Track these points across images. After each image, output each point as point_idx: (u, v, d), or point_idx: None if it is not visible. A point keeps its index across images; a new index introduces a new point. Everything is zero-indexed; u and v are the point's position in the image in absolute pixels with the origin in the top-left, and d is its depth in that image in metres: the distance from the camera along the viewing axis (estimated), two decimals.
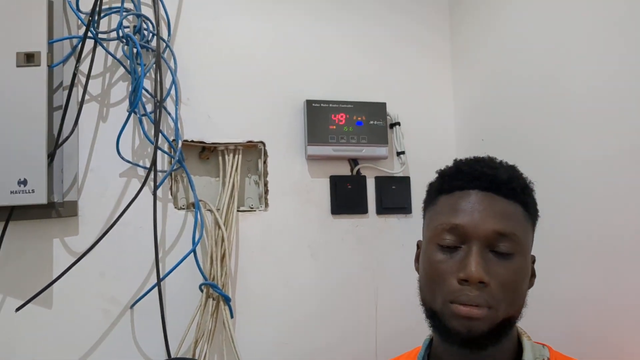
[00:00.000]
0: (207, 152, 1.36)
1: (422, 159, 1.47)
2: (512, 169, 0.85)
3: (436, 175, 0.89)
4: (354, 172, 1.43)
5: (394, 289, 1.41)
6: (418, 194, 1.45)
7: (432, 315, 0.80)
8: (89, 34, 1.17)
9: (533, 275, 0.84)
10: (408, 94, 1.50)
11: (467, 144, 1.46)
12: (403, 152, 1.45)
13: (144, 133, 1.26)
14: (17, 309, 1.12)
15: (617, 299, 0.98)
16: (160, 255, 1.24)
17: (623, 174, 0.97)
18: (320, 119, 1.37)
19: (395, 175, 1.45)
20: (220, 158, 1.35)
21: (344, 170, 1.42)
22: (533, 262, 0.85)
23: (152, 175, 1.21)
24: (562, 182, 1.11)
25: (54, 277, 1.16)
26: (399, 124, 1.45)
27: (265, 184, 1.37)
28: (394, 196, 1.44)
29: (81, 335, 1.20)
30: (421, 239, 0.89)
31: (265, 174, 1.37)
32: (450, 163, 0.88)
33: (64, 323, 1.19)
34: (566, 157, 1.11)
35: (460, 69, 1.52)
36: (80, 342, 1.20)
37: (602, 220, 1.02)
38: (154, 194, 1.21)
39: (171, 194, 1.30)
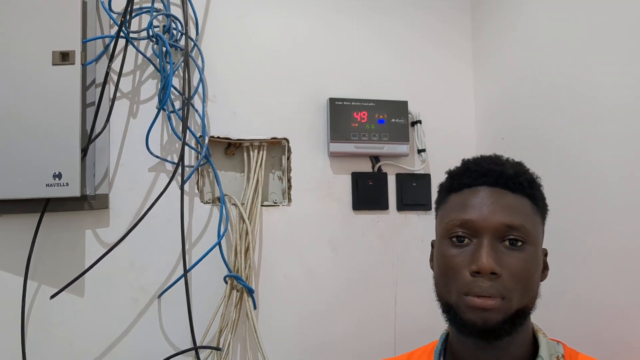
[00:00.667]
0: (232, 148, 1.40)
1: (442, 156, 1.49)
2: (519, 165, 0.88)
3: (446, 175, 0.92)
4: (375, 168, 1.45)
5: (413, 283, 1.44)
6: None
7: (448, 309, 0.83)
8: (121, 34, 1.22)
9: (546, 267, 0.87)
10: (429, 93, 1.52)
11: (488, 143, 1.48)
12: (424, 150, 1.47)
13: (172, 129, 1.30)
14: (52, 297, 1.18)
15: (633, 300, 1.00)
16: (186, 247, 1.29)
17: None
18: (342, 116, 1.40)
19: (415, 172, 1.48)
20: (245, 154, 1.39)
21: (366, 167, 1.45)
22: (545, 255, 0.87)
23: (179, 170, 1.25)
24: (580, 183, 1.13)
25: (86, 266, 1.21)
26: (420, 122, 1.48)
27: (289, 180, 1.40)
28: (414, 193, 1.46)
29: (111, 322, 1.25)
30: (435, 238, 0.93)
31: (289, 169, 1.41)
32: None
33: (95, 310, 1.24)
34: (585, 158, 1.12)
35: (481, 69, 1.53)
36: (110, 328, 1.25)
37: (620, 222, 1.03)
38: (182, 189, 1.25)
39: (197, 189, 1.34)
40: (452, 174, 0.90)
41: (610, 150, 1.05)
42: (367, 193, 1.43)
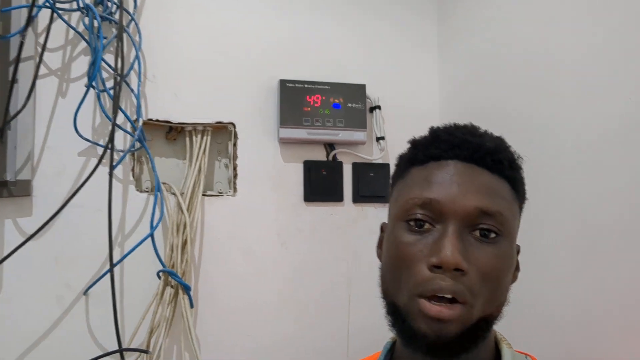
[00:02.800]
0: (174, 132, 1.29)
1: (403, 145, 1.34)
2: (499, 140, 0.71)
3: (408, 145, 0.75)
4: (330, 157, 1.35)
5: (369, 281, 1.31)
6: None
7: (394, 311, 0.66)
8: (47, 4, 1.11)
9: (517, 268, 0.71)
10: (390, 77, 1.42)
11: None
12: (383, 138, 1.37)
13: (103, 110, 1.19)
14: None
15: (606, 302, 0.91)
16: (119, 239, 1.19)
17: (614, 153, 0.90)
18: (294, 100, 1.30)
19: (373, 161, 1.38)
20: (187, 139, 1.28)
21: (319, 155, 1.35)
22: (517, 252, 0.71)
23: (108, 155, 1.14)
24: (549, 163, 1.04)
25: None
26: (379, 107, 1.37)
27: (235, 168, 1.30)
28: (371, 184, 1.36)
29: (32, 322, 1.14)
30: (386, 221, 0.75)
31: (235, 157, 1.30)
32: None
33: (14, 309, 1.13)
34: (553, 135, 1.04)
35: (446, 53, 1.44)
36: (32, 329, 1.14)
37: (591, 203, 0.95)
38: (110, 174, 1.14)
39: (133, 176, 1.23)
40: (416, 143, 0.73)
41: (580, 126, 0.98)
42: (321, 183, 1.33)
